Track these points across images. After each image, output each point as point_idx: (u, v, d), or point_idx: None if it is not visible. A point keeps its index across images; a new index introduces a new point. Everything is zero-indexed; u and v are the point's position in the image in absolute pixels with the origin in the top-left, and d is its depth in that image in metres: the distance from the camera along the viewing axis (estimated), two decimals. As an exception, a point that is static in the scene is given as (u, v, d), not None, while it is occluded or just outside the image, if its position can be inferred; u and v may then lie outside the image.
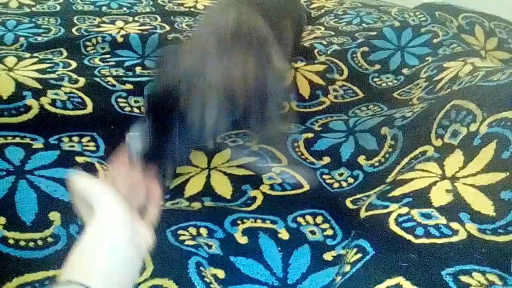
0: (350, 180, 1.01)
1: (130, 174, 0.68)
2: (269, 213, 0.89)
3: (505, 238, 0.72)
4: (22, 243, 0.74)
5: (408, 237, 0.75)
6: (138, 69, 1.30)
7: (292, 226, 0.87)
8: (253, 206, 0.91)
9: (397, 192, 0.87)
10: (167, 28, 1.57)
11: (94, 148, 0.94)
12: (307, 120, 1.20)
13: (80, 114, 1.01)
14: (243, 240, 0.82)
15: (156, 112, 0.74)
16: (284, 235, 0.84)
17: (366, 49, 1.48)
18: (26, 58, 1.21)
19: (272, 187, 0.96)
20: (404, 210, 0.81)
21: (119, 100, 1.10)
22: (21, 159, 0.86)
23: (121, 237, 0.57)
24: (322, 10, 1.92)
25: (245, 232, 0.84)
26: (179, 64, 0.76)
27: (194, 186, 0.93)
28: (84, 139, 0.96)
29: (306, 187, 0.96)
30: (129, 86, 1.15)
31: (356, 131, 1.13)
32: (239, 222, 0.86)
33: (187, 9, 1.82)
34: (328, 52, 1.49)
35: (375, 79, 1.40)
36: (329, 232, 0.87)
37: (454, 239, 0.73)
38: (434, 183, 0.85)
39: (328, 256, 0.82)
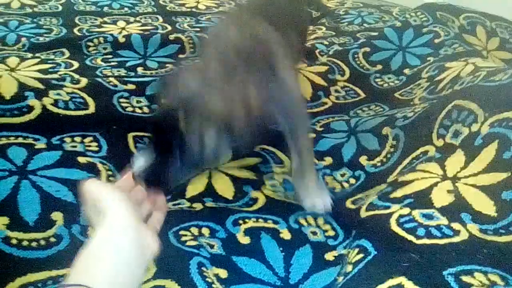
0: (352, 180, 1.01)
1: (136, 185, 0.70)
2: (270, 214, 0.90)
3: (507, 238, 0.72)
4: (25, 243, 0.74)
5: (410, 237, 0.75)
6: (140, 69, 1.30)
7: (294, 226, 0.87)
8: (255, 207, 0.91)
9: (398, 193, 0.87)
10: (169, 28, 1.58)
11: (96, 148, 0.95)
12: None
13: (82, 114, 1.01)
14: (245, 240, 0.82)
15: (158, 135, 0.74)
16: (286, 235, 0.85)
17: (367, 49, 1.48)
18: (28, 58, 1.21)
19: (274, 192, 0.97)
20: (406, 211, 0.81)
21: (121, 100, 1.10)
22: (24, 159, 0.86)
23: (128, 243, 0.57)
24: (322, 11, 1.92)
25: (247, 232, 0.84)
26: (181, 87, 0.76)
27: (195, 187, 0.93)
28: (87, 140, 0.96)
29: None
30: (131, 86, 1.15)
31: (357, 131, 1.13)
32: (241, 222, 0.86)
33: (189, 9, 1.82)
34: (330, 53, 1.49)
35: (376, 80, 1.40)
36: (331, 232, 0.87)
37: (456, 239, 0.73)
38: (435, 184, 0.85)
39: (329, 256, 0.82)
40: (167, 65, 1.35)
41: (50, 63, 1.21)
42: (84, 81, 1.11)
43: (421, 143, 1.00)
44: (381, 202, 0.87)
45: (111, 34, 1.47)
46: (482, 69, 1.13)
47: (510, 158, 0.83)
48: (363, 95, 1.35)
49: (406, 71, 1.40)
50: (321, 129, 1.16)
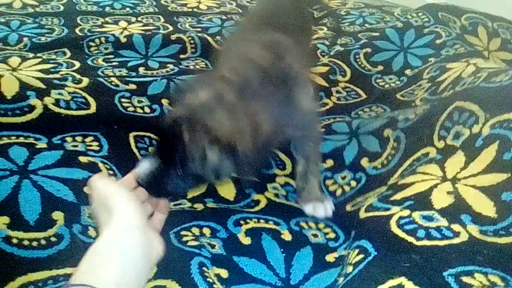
0: (353, 183, 1.01)
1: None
2: (272, 215, 0.90)
3: (507, 239, 0.72)
4: (25, 242, 0.74)
5: (410, 239, 0.75)
6: (141, 69, 1.30)
7: (294, 228, 0.87)
8: (256, 208, 0.92)
9: (398, 196, 0.87)
10: (170, 28, 1.58)
11: (97, 148, 0.95)
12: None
13: (83, 114, 1.01)
14: (246, 240, 0.83)
15: (163, 142, 0.74)
16: (286, 236, 0.85)
17: (369, 50, 1.48)
18: (29, 58, 1.22)
19: (276, 195, 0.97)
20: (406, 212, 0.81)
21: (122, 100, 1.10)
22: (25, 159, 0.86)
23: (135, 243, 0.58)
24: (325, 11, 1.92)
25: (248, 232, 0.84)
26: (192, 98, 0.75)
27: (197, 188, 0.93)
28: (88, 139, 0.96)
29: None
30: (132, 86, 1.15)
31: (359, 134, 1.13)
32: (242, 222, 0.86)
33: (190, 10, 1.82)
34: (331, 53, 1.49)
35: (378, 80, 1.40)
36: (331, 235, 0.88)
37: (456, 241, 0.73)
38: (435, 186, 0.85)
39: (330, 257, 0.82)
40: (167, 65, 1.35)
41: (51, 63, 1.21)
42: (85, 81, 1.11)
43: (422, 145, 0.99)
44: (381, 204, 0.87)
45: (113, 34, 1.47)
46: (483, 70, 1.12)
47: (510, 159, 0.83)
48: (364, 95, 1.35)
49: (408, 71, 1.40)
50: (322, 130, 1.16)
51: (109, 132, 0.99)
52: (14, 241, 0.74)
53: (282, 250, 0.82)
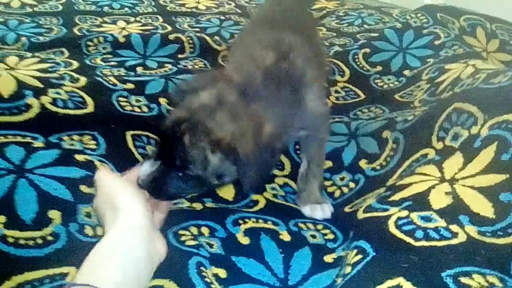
0: (352, 184, 1.01)
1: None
2: (271, 215, 0.90)
3: (505, 240, 0.72)
4: (21, 241, 0.74)
5: (408, 240, 0.75)
6: (139, 69, 1.30)
7: (293, 229, 0.87)
8: (255, 209, 0.91)
9: (396, 196, 0.87)
10: (169, 28, 1.57)
11: (94, 146, 0.94)
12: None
13: (81, 113, 1.01)
14: (244, 240, 0.82)
15: (163, 144, 0.73)
16: (285, 237, 0.84)
17: (367, 50, 1.48)
18: (27, 57, 1.21)
19: (275, 196, 0.97)
20: (404, 213, 0.81)
21: (120, 99, 1.09)
22: (21, 158, 0.85)
23: (137, 244, 0.57)
24: (324, 11, 1.92)
25: (246, 232, 0.84)
26: (193, 99, 0.74)
27: (198, 191, 0.92)
28: (85, 138, 0.96)
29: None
30: (130, 85, 1.15)
31: (358, 135, 1.12)
32: (241, 222, 0.86)
33: (189, 10, 1.82)
34: (330, 53, 1.49)
35: (376, 81, 1.40)
36: (330, 236, 0.87)
37: (454, 241, 0.73)
38: (433, 186, 0.85)
39: (328, 258, 0.82)
40: (166, 65, 1.34)
41: (49, 63, 1.20)
42: (83, 80, 1.11)
43: (421, 146, 0.99)
44: (379, 205, 0.86)
45: (111, 34, 1.47)
46: (482, 71, 1.13)
47: (508, 160, 0.83)
48: (363, 96, 1.35)
49: (406, 72, 1.40)
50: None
51: (106, 131, 0.98)
52: (10, 240, 0.73)
53: (280, 250, 0.81)
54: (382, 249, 0.74)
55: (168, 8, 1.81)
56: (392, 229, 0.78)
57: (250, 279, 0.75)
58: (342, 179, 1.03)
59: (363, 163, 1.05)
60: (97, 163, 0.90)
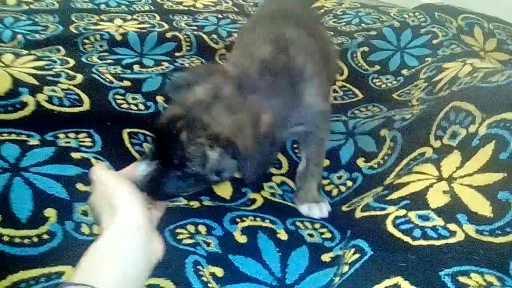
0: (349, 183, 1.01)
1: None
2: (268, 214, 0.89)
3: (503, 239, 0.72)
4: (17, 240, 0.73)
5: (406, 239, 0.75)
6: (136, 67, 1.29)
7: (290, 228, 0.87)
8: (253, 207, 0.91)
9: (394, 195, 0.86)
10: (166, 26, 1.57)
11: (90, 144, 0.94)
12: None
13: (77, 111, 1.00)
14: (242, 238, 0.82)
15: (159, 142, 0.71)
16: (282, 235, 0.84)
17: (366, 49, 1.47)
18: (23, 55, 1.20)
19: (272, 194, 0.96)
20: (402, 212, 0.81)
21: (117, 97, 1.09)
22: (17, 156, 0.85)
23: (135, 244, 0.57)
24: (322, 10, 1.92)
25: (244, 230, 0.83)
26: (189, 94, 0.72)
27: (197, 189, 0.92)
28: (80, 135, 0.95)
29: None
30: (127, 83, 1.14)
31: (355, 133, 1.12)
32: (238, 220, 0.86)
33: (186, 8, 1.82)
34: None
35: (374, 80, 1.40)
36: (327, 235, 0.87)
37: (452, 240, 0.73)
38: (431, 185, 0.85)
39: (326, 257, 0.82)
40: (162, 63, 1.34)
41: (45, 60, 1.20)
42: (79, 78, 1.10)
43: (419, 144, 0.99)
44: (377, 204, 0.86)
45: (108, 32, 1.46)
46: (479, 70, 1.12)
47: (506, 158, 0.83)
48: (361, 95, 1.35)
49: (404, 71, 1.40)
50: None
51: (102, 129, 0.98)
52: (6, 238, 0.73)
53: (278, 249, 0.81)
54: (379, 248, 0.74)
55: (165, 6, 1.81)
56: (390, 228, 0.78)
57: (247, 278, 0.75)
58: (339, 177, 1.03)
59: (360, 162, 1.05)
60: (93, 160, 0.89)
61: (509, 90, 0.95)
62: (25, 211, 0.77)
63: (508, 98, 0.93)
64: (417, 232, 0.75)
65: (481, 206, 0.78)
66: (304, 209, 0.92)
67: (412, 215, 0.79)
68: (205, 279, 0.72)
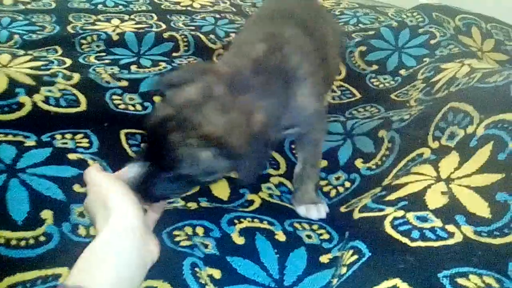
0: (347, 184, 1.01)
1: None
2: (266, 215, 0.89)
3: (501, 240, 0.72)
4: (13, 242, 0.73)
5: (404, 240, 0.74)
6: (133, 67, 1.29)
7: (288, 229, 0.86)
8: (250, 208, 0.91)
9: (392, 196, 0.86)
10: (163, 26, 1.56)
11: (87, 145, 0.93)
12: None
13: (74, 111, 1.00)
14: (240, 240, 0.81)
15: (150, 144, 0.70)
16: (280, 237, 0.84)
17: (363, 48, 1.47)
18: (20, 55, 1.20)
19: (270, 196, 0.96)
20: (400, 213, 0.81)
21: (114, 97, 1.08)
22: (13, 157, 0.84)
23: (130, 245, 0.57)
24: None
25: (242, 232, 0.83)
26: (179, 94, 0.70)
27: (190, 190, 0.92)
28: (77, 136, 0.95)
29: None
30: (124, 83, 1.14)
31: (353, 134, 1.12)
32: (236, 221, 0.85)
33: (184, 8, 1.81)
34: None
35: (372, 80, 1.40)
36: (326, 236, 0.87)
37: (450, 241, 0.73)
38: (429, 186, 0.85)
39: (324, 258, 0.81)
40: (160, 63, 1.33)
41: (42, 61, 1.19)
42: (76, 78, 1.09)
43: (417, 145, 0.99)
44: (375, 205, 0.86)
45: (105, 32, 1.45)
46: (477, 71, 1.12)
47: (504, 159, 0.83)
48: (358, 95, 1.35)
49: (402, 71, 1.40)
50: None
51: (99, 129, 0.98)
52: (2, 240, 0.73)
53: (276, 250, 0.81)
54: (378, 250, 0.74)
55: (162, 6, 1.80)
56: (388, 229, 0.78)
57: (245, 279, 0.75)
58: (337, 178, 1.03)
59: (358, 163, 1.05)
60: (90, 161, 0.89)
61: (507, 90, 0.94)
62: (22, 213, 0.76)
63: (506, 99, 0.93)
64: (415, 234, 0.75)
65: (480, 207, 0.77)
66: (302, 210, 0.92)
67: (411, 216, 0.79)
68: (202, 281, 0.71)
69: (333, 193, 1.00)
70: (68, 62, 1.22)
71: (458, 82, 1.12)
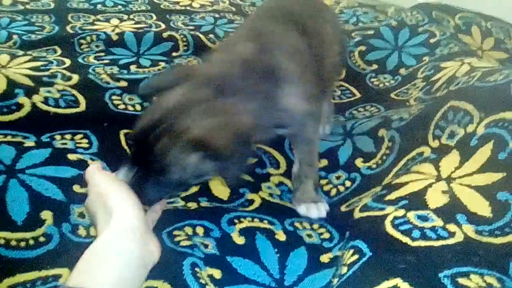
0: (348, 183, 1.01)
1: None
2: (266, 214, 0.89)
3: (503, 239, 0.72)
4: (13, 242, 0.73)
5: (405, 239, 0.74)
6: (132, 67, 1.29)
7: (289, 229, 0.86)
8: (250, 208, 0.90)
9: (393, 195, 0.86)
10: (163, 26, 1.56)
11: (87, 145, 0.93)
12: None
13: (73, 112, 1.00)
14: (240, 240, 0.81)
15: (136, 151, 0.70)
16: (281, 236, 0.84)
17: (363, 48, 1.47)
18: (19, 56, 1.20)
19: (271, 195, 0.96)
20: (400, 212, 0.80)
21: (113, 97, 1.08)
22: (13, 158, 0.84)
23: (132, 246, 0.56)
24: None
25: (242, 232, 0.83)
26: (163, 100, 0.70)
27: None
28: (77, 137, 0.95)
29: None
30: (123, 83, 1.13)
31: (353, 134, 1.12)
32: (236, 221, 0.85)
33: (183, 8, 1.81)
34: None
35: (372, 79, 1.40)
36: (326, 235, 0.87)
37: (451, 241, 0.72)
38: (430, 185, 0.84)
39: (325, 258, 0.81)
40: (159, 63, 1.33)
41: (41, 61, 1.19)
42: (75, 78, 1.09)
43: (417, 144, 0.99)
44: (376, 204, 0.86)
45: (104, 32, 1.45)
46: (477, 70, 1.12)
47: (505, 158, 0.83)
48: (358, 95, 1.35)
49: (402, 71, 1.40)
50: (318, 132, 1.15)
51: (99, 130, 0.97)
52: (1, 241, 0.72)
53: (276, 250, 0.81)
54: (378, 250, 0.74)
55: (161, 6, 1.80)
56: (389, 228, 0.77)
57: (246, 279, 0.74)
58: (338, 177, 1.02)
59: (359, 162, 1.04)
60: (90, 162, 0.89)
61: (507, 89, 0.94)
62: (21, 214, 0.76)
63: (507, 98, 0.92)
64: (416, 233, 0.75)
65: (481, 206, 0.77)
66: (302, 209, 0.92)
67: (411, 215, 0.79)
68: (203, 281, 0.71)
69: (333, 192, 1.00)
70: (68, 62, 1.22)
71: (458, 81, 1.12)
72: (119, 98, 1.09)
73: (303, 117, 0.87)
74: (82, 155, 0.90)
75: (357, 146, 1.08)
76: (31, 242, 0.74)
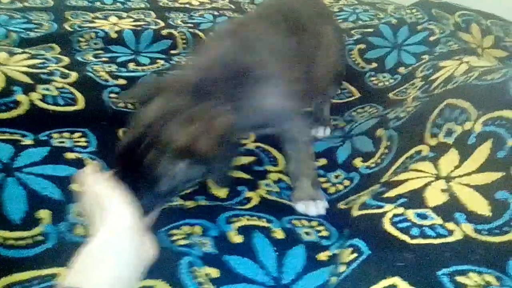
0: (346, 182, 1.00)
1: None
2: (264, 212, 0.88)
3: (501, 238, 0.72)
4: (10, 241, 0.72)
5: (403, 237, 0.74)
6: (131, 65, 1.28)
7: (287, 226, 0.86)
8: (248, 206, 0.90)
9: (391, 193, 0.86)
10: (161, 24, 1.56)
11: (85, 144, 0.93)
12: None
13: (71, 110, 0.99)
14: (237, 239, 0.81)
15: (125, 167, 0.69)
16: (278, 234, 0.83)
17: (363, 46, 1.47)
18: (17, 53, 1.19)
19: (269, 192, 0.95)
20: (399, 210, 0.80)
21: (112, 95, 1.08)
22: (10, 156, 0.84)
23: (128, 246, 0.56)
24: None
25: (239, 230, 0.83)
26: (145, 112, 0.71)
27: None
28: (75, 135, 0.95)
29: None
30: (122, 81, 1.13)
31: (352, 135, 1.12)
32: (234, 219, 0.85)
33: (182, 5, 1.81)
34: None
35: (371, 78, 1.39)
36: (324, 233, 0.86)
37: (450, 239, 0.72)
38: (429, 183, 0.84)
39: (323, 256, 0.81)
40: (158, 60, 1.33)
41: (40, 58, 1.19)
42: (74, 76, 1.09)
43: (415, 142, 0.99)
44: (374, 202, 0.86)
45: (103, 30, 1.45)
46: (475, 69, 1.12)
47: (504, 157, 0.83)
48: (357, 94, 1.35)
49: (401, 69, 1.39)
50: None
51: (97, 128, 0.97)
52: (-1, 240, 0.72)
53: (274, 248, 0.80)
54: (377, 248, 0.73)
55: (160, 4, 1.80)
56: (388, 226, 0.77)
57: (243, 278, 0.74)
58: (336, 176, 1.02)
59: (357, 162, 1.04)
60: (88, 161, 0.88)
61: (504, 87, 0.94)
62: (19, 212, 0.76)
63: (504, 96, 0.92)
64: (415, 231, 0.75)
65: (480, 205, 0.77)
66: (300, 207, 0.92)
67: (410, 213, 0.79)
68: (200, 280, 0.71)
69: (332, 190, 1.00)
70: (66, 60, 1.22)
71: (455, 80, 1.12)
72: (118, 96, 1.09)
73: (284, 116, 0.87)
74: (80, 154, 0.89)
75: (356, 147, 1.08)
76: (29, 241, 0.73)
